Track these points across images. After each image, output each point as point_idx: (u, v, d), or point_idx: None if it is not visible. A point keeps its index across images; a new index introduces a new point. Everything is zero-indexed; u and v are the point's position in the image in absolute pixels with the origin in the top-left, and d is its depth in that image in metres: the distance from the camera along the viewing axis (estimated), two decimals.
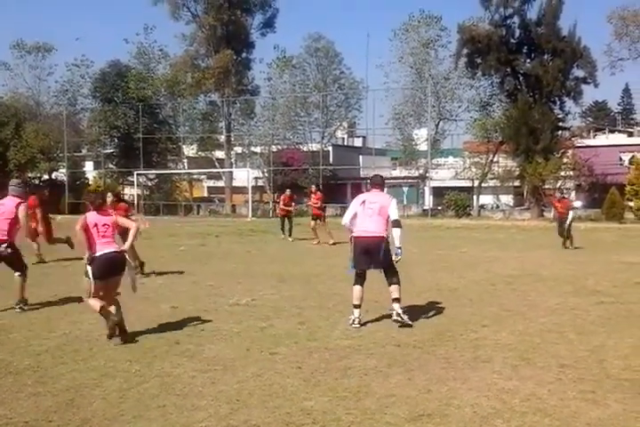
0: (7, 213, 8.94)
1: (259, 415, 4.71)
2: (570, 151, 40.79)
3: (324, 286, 10.85)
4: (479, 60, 39.62)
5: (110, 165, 51.45)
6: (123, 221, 7.58)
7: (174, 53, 50.87)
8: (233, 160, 51.83)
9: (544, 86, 37.18)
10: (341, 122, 53.11)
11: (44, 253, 14.46)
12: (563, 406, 4.87)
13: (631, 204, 34.14)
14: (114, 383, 5.47)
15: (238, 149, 51.51)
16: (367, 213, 7.82)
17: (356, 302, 7.72)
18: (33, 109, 52.91)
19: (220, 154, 51.28)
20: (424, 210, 42.16)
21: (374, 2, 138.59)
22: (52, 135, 49.64)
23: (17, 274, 8.99)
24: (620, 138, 54.18)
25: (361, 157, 55.21)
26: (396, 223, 7.80)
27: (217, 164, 50.95)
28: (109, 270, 7.07)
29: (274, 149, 48.43)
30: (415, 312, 8.38)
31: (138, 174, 45.13)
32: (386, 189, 8.62)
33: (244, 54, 49.72)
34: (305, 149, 49.84)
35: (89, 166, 56.74)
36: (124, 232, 7.95)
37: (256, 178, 49.49)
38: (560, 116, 39.57)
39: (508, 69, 39.18)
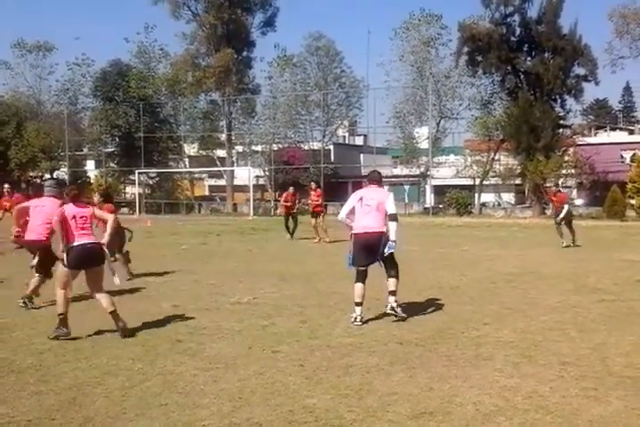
0: (49, 214, 8.55)
1: (261, 413, 4.72)
2: (571, 149, 40.80)
3: (324, 284, 10.85)
4: (480, 59, 39.63)
5: (111, 164, 51.52)
6: (99, 213, 7.55)
7: (175, 52, 51.03)
8: (234, 159, 51.89)
9: (545, 84, 37.18)
10: (342, 120, 53.15)
11: None
12: (565, 404, 4.87)
13: (632, 201, 34.09)
14: (116, 382, 5.48)
15: (239, 148, 51.56)
16: (365, 210, 7.85)
17: (358, 300, 7.72)
18: (34, 108, 53.00)
19: (221, 153, 51.32)
20: (425, 208, 42.18)
21: (375, 0, 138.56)
22: (53, 134, 49.75)
23: (37, 274, 8.96)
24: (621, 136, 54.13)
25: (362, 155, 55.24)
26: (393, 217, 7.80)
27: (218, 162, 50.99)
28: (86, 261, 7.09)
29: (275, 147, 48.47)
30: (417, 310, 8.39)
31: (139, 173, 45.19)
32: (387, 188, 8.64)
33: (244, 53, 49.77)
34: (306, 147, 49.87)
35: (90, 165, 56.87)
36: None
37: (257, 177, 49.53)
38: (561, 114, 39.59)
39: (509, 67, 39.19)
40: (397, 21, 58.62)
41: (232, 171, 49.90)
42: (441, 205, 42.13)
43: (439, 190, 45.04)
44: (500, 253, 15.86)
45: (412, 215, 37.80)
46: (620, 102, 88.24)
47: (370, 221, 7.80)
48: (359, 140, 62.19)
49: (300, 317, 8.09)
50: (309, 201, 19.94)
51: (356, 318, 7.63)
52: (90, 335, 7.14)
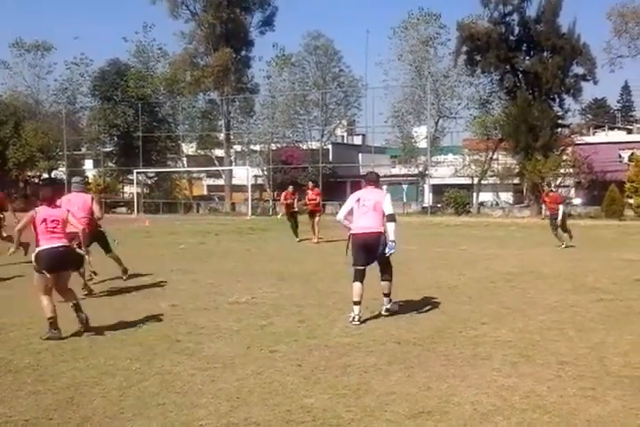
0: (82, 208, 9.71)
1: (259, 413, 4.72)
2: (569, 148, 40.81)
3: (323, 284, 10.85)
4: (478, 58, 39.65)
5: (110, 164, 51.49)
6: (73, 221, 7.45)
7: (173, 52, 50.92)
8: (232, 158, 51.84)
9: (543, 84, 37.20)
10: (341, 120, 53.08)
11: None
12: (562, 403, 4.88)
13: (631, 201, 34.13)
14: (114, 381, 5.47)
15: (238, 148, 51.50)
16: (363, 211, 7.92)
17: (356, 299, 7.74)
18: (32, 108, 52.97)
19: (219, 152, 51.28)
20: (423, 207, 42.18)
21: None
22: (51, 134, 49.69)
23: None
24: (619, 135, 54.13)
25: (360, 154, 55.22)
26: (391, 217, 7.87)
27: (216, 162, 50.95)
28: (56, 264, 7.05)
29: (273, 147, 48.44)
30: (415, 309, 8.40)
31: (137, 173, 45.16)
32: (385, 188, 8.69)
33: (243, 52, 49.69)
34: (304, 147, 49.83)
35: (88, 165, 56.82)
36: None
37: (255, 176, 49.49)
38: (559, 113, 39.62)
39: (508, 67, 39.20)
40: (396, 20, 58.73)
41: (230, 170, 49.86)
42: (439, 205, 42.11)
43: (437, 190, 45.02)
44: (499, 253, 15.87)
45: (410, 215, 37.80)
46: (618, 102, 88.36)
47: (367, 222, 7.86)
48: (358, 140, 62.17)
49: (299, 316, 8.09)
50: (307, 200, 19.81)
51: (354, 318, 7.64)
52: (88, 335, 7.14)
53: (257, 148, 49.71)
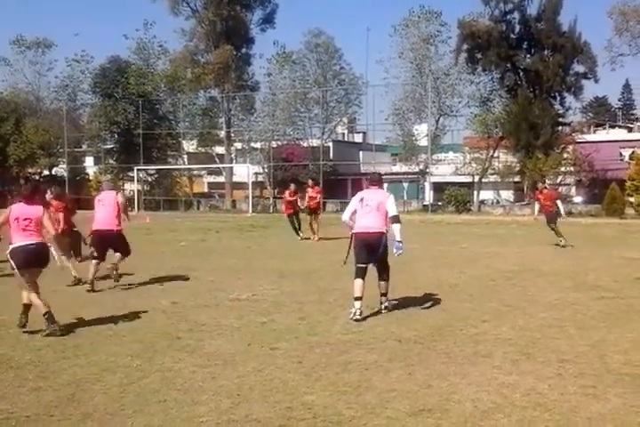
0: (108, 205, 10.40)
1: (259, 410, 4.72)
2: (570, 147, 40.80)
3: (324, 281, 10.86)
4: (479, 56, 39.63)
5: (110, 161, 51.47)
6: (47, 223, 7.40)
7: (174, 49, 50.85)
8: (233, 156, 51.83)
9: (544, 82, 37.18)
10: (341, 117, 53.03)
11: None
12: (563, 401, 4.88)
13: (631, 199, 34.14)
14: (115, 378, 5.48)
15: (238, 145, 51.48)
16: (365, 211, 8.01)
17: (357, 295, 7.80)
18: (33, 105, 52.90)
19: (220, 149, 51.24)
20: (424, 205, 42.16)
21: None
22: (52, 131, 49.65)
23: (118, 254, 10.44)
24: (620, 133, 54.12)
25: (361, 152, 55.18)
26: (395, 219, 7.99)
27: (217, 159, 50.94)
28: (29, 261, 7.07)
29: (274, 144, 48.39)
30: (416, 307, 8.40)
31: (138, 170, 45.14)
32: (386, 186, 8.74)
33: (243, 50, 49.63)
34: (305, 144, 49.78)
35: (89, 162, 56.80)
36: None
37: (256, 173, 49.46)
38: (560, 111, 39.61)
39: (509, 65, 39.18)
40: (397, 18, 58.68)
41: (231, 168, 49.84)
42: (440, 203, 42.10)
43: (438, 188, 45.02)
44: (499, 251, 15.86)
45: (410, 213, 37.78)
46: (619, 100, 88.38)
47: (370, 221, 7.95)
48: (358, 138, 62.12)
49: (299, 313, 8.10)
50: (308, 198, 19.53)
51: (355, 313, 7.68)
52: (89, 332, 7.15)
53: (257, 145, 49.67)
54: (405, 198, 46.01)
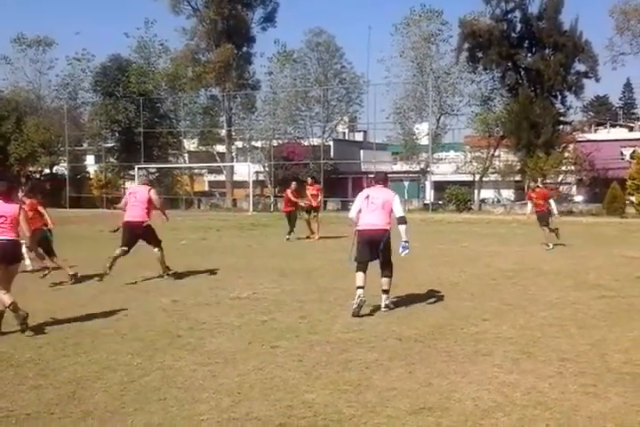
0: (140, 199, 10.88)
1: (260, 408, 4.72)
2: (571, 146, 40.74)
3: (324, 280, 10.86)
4: (480, 55, 39.57)
5: (111, 159, 51.48)
6: (23, 224, 7.39)
7: (175, 48, 50.76)
8: (234, 154, 51.79)
9: (545, 81, 37.13)
10: (342, 116, 53.00)
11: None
12: (563, 400, 4.88)
13: (632, 198, 34.08)
14: (115, 376, 5.48)
15: (239, 144, 51.44)
16: (371, 209, 8.15)
17: (359, 284, 7.96)
18: (34, 103, 52.86)
19: (220, 148, 51.21)
20: (425, 204, 42.14)
21: None
22: (52, 129, 49.62)
23: (155, 250, 10.85)
24: (621, 132, 54.07)
25: (362, 151, 55.14)
26: (402, 220, 8.16)
27: (218, 158, 50.89)
28: (1, 257, 7.04)
29: (275, 143, 48.34)
30: (416, 306, 8.41)
31: (139, 168, 45.11)
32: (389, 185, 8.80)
33: (244, 48, 49.57)
34: (306, 143, 49.73)
35: (90, 160, 56.79)
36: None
37: (257, 172, 49.43)
38: (561, 110, 39.54)
39: (510, 64, 39.12)
40: (398, 17, 58.63)
41: (232, 166, 49.81)
42: (440, 202, 42.07)
43: (439, 186, 44.99)
44: (500, 250, 15.86)
45: (411, 211, 37.72)
46: (620, 99, 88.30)
47: (374, 219, 8.08)
48: (359, 136, 62.08)
49: (300, 312, 8.10)
50: (309, 197, 19.31)
51: (358, 296, 7.83)
52: (89, 330, 7.15)
53: (258, 144, 49.65)
54: (406, 197, 45.95)
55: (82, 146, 55.10)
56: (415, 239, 16.68)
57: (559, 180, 38.47)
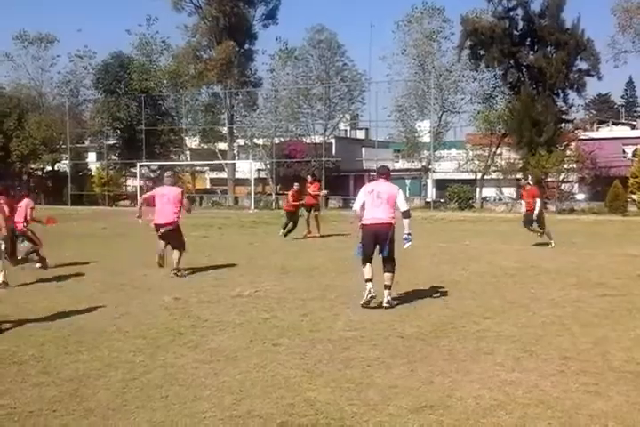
0: (172, 200, 10.96)
1: (262, 406, 4.72)
2: (573, 144, 40.69)
3: (326, 278, 10.85)
4: (482, 53, 39.54)
5: (113, 157, 51.54)
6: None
7: (176, 45, 50.88)
8: (235, 152, 51.85)
9: (547, 78, 37.09)
10: (344, 114, 53.00)
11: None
12: (565, 398, 4.87)
13: (634, 196, 34.07)
14: (117, 374, 5.48)
15: (241, 141, 51.50)
16: (377, 203, 8.28)
17: (368, 277, 8.13)
18: (35, 100, 52.94)
19: (222, 146, 51.27)
20: (427, 202, 42.18)
21: None
22: (54, 126, 49.68)
23: (175, 251, 10.98)
24: (623, 130, 54.02)
25: (363, 149, 55.20)
26: (406, 214, 8.34)
27: (219, 155, 50.94)
28: None
29: (276, 140, 48.39)
30: (418, 304, 8.40)
31: (140, 166, 45.15)
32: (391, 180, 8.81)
33: (246, 46, 49.64)
34: (307, 141, 49.74)
35: (92, 157, 56.89)
36: None
37: (258, 170, 49.51)
38: (563, 108, 39.52)
39: (512, 62, 39.08)
40: (400, 15, 58.45)
41: (233, 164, 49.86)
42: (442, 200, 42.09)
43: (441, 184, 45.01)
44: (502, 248, 15.85)
45: (413, 209, 37.42)
46: (622, 97, 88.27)
47: (379, 213, 8.22)
48: (361, 134, 62.12)
49: (302, 310, 8.10)
50: (311, 195, 19.19)
51: (369, 291, 8.01)
52: (91, 328, 7.15)
53: (260, 141, 49.69)
54: (408, 195, 45.98)
55: (83, 143, 55.17)
56: (417, 237, 16.62)
57: (561, 178, 38.41)
